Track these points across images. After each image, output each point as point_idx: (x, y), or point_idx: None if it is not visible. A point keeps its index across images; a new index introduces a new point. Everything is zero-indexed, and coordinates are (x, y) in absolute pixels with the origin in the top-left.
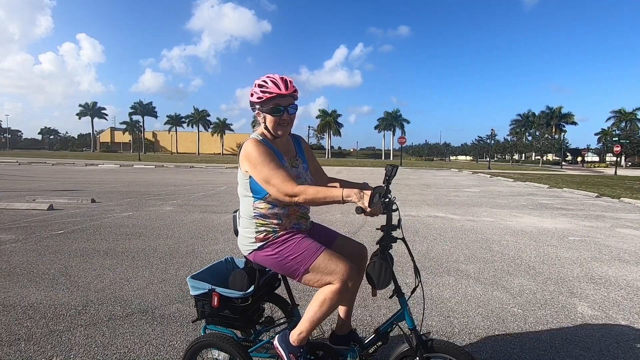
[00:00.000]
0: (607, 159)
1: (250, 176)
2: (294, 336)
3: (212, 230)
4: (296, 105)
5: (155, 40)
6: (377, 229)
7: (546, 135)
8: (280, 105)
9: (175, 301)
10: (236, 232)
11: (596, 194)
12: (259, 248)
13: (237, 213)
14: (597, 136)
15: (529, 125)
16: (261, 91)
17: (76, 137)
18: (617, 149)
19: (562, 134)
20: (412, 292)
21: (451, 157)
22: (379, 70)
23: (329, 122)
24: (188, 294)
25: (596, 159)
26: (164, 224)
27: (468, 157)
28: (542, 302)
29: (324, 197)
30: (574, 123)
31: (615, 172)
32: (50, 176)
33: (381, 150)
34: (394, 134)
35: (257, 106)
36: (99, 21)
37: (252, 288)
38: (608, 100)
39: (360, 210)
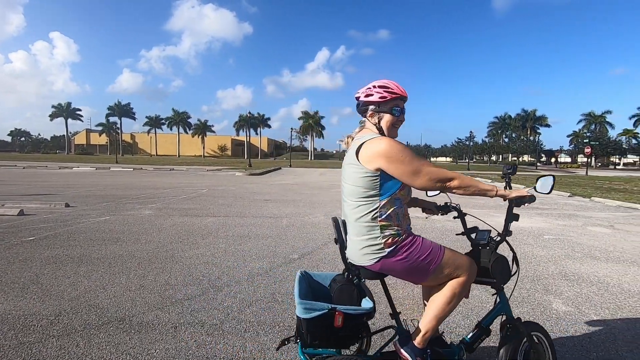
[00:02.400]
0: (579, 159)
1: (380, 174)
2: (419, 338)
3: (192, 234)
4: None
5: (134, 40)
6: (457, 234)
7: (522, 137)
8: (399, 106)
9: (154, 308)
10: (341, 242)
11: (569, 194)
12: (388, 255)
13: (341, 221)
14: (569, 138)
15: (506, 128)
16: (384, 91)
17: (49, 139)
18: (587, 150)
19: (537, 136)
20: (515, 283)
21: (432, 159)
22: (360, 73)
23: (312, 123)
24: (168, 300)
25: (568, 160)
26: (142, 229)
27: (448, 159)
28: (519, 299)
29: (476, 186)
30: (548, 125)
31: (587, 173)
32: (20, 180)
33: None
34: None
35: (373, 106)
36: (73, 19)
37: (372, 302)
38: (579, 103)
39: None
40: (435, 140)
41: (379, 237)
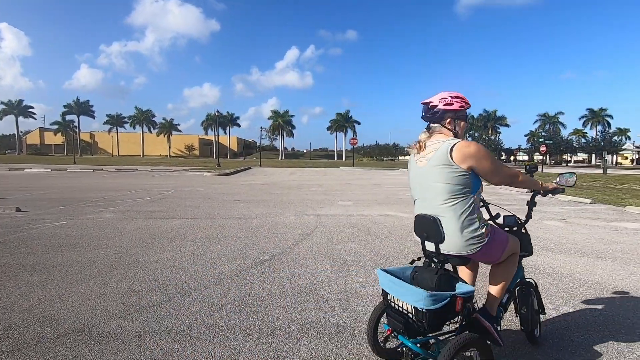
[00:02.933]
0: (535, 157)
1: (471, 172)
2: (492, 307)
3: (158, 237)
4: None
5: (92, 34)
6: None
7: (484, 137)
8: (467, 115)
9: (116, 316)
10: (442, 238)
11: (526, 190)
12: (487, 242)
13: (437, 218)
14: (527, 137)
15: (469, 127)
16: (462, 101)
17: None
18: (543, 148)
19: (498, 135)
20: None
21: (400, 157)
22: (330, 72)
23: (281, 123)
24: (131, 308)
25: (526, 157)
26: (103, 233)
27: None
28: (482, 292)
29: (530, 180)
30: (507, 125)
31: (542, 170)
32: None
33: (334, 151)
34: (345, 135)
35: (452, 114)
36: (23, 10)
37: (468, 285)
38: (534, 104)
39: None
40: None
41: (479, 228)
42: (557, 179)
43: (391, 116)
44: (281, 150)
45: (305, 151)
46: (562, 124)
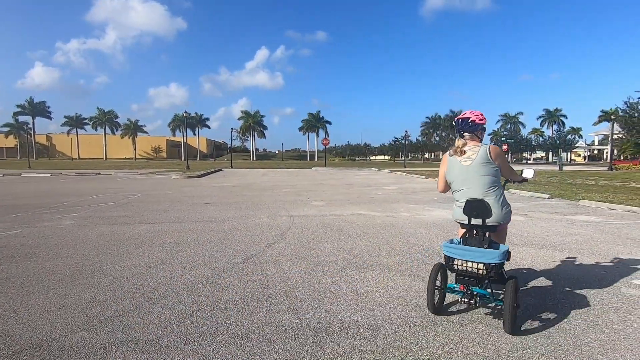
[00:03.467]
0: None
1: (499, 167)
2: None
3: (123, 244)
4: None
5: (47, 30)
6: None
7: (451, 136)
8: None
9: (79, 329)
10: (490, 214)
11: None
12: (505, 218)
13: (486, 200)
14: (490, 136)
15: (437, 127)
16: (485, 118)
17: None
18: (504, 147)
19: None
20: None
21: (371, 157)
22: (300, 73)
23: (252, 123)
24: (95, 319)
25: None
26: (63, 241)
27: (386, 157)
28: None
29: (517, 174)
30: None
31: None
32: None
33: (306, 151)
34: (317, 136)
35: (479, 126)
36: None
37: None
38: (496, 105)
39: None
40: (374, 139)
41: (509, 206)
42: (523, 173)
43: (362, 116)
44: (253, 152)
45: (277, 152)
46: (522, 124)
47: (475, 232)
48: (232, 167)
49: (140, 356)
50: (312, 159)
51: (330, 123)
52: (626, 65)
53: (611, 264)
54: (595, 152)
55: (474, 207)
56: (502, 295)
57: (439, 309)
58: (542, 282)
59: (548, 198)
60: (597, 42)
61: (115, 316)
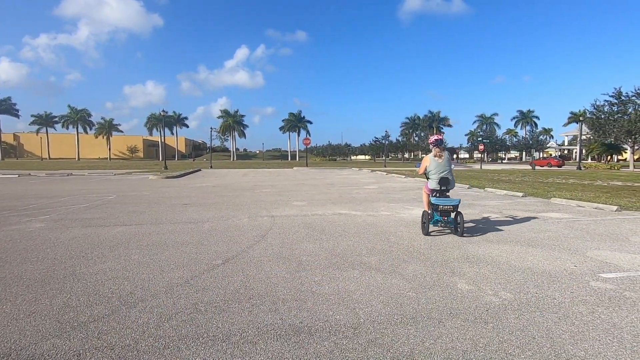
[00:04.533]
0: (475, 155)
1: (452, 161)
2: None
3: (97, 246)
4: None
5: (13, 24)
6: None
7: (429, 136)
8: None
9: (50, 336)
10: (454, 185)
11: (468, 186)
12: (454, 186)
13: (450, 178)
14: (467, 137)
15: (416, 127)
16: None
17: None
18: (481, 147)
19: (442, 134)
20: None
21: (352, 157)
22: (280, 72)
23: (232, 123)
24: (67, 325)
25: (467, 155)
26: (32, 245)
27: (367, 157)
28: (431, 283)
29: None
30: (450, 125)
31: (481, 167)
32: None
33: (287, 151)
34: (299, 135)
35: (443, 142)
36: None
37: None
38: (472, 106)
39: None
40: (355, 139)
41: (455, 180)
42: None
43: (342, 116)
44: (233, 151)
45: (257, 152)
46: (497, 125)
47: (442, 193)
48: (211, 167)
49: None
50: (294, 158)
51: (311, 123)
52: (595, 68)
53: (581, 258)
54: (566, 152)
55: (444, 182)
56: (458, 220)
57: (427, 234)
58: (517, 277)
59: (522, 196)
60: (567, 46)
61: (89, 322)
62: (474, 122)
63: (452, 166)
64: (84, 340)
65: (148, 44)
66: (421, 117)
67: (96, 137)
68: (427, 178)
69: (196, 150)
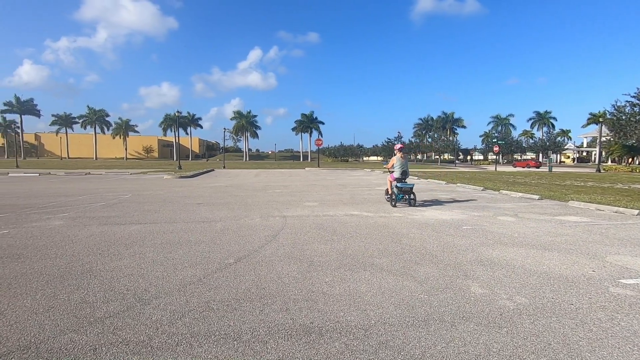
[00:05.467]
0: (489, 157)
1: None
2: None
3: (114, 244)
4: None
5: (35, 27)
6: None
7: (442, 137)
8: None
9: (68, 330)
10: (408, 175)
11: (482, 188)
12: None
13: (407, 171)
14: (481, 138)
15: (429, 128)
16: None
17: None
18: (496, 149)
19: (455, 136)
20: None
21: (364, 158)
22: (292, 74)
23: (245, 124)
24: (84, 320)
25: (481, 157)
26: (52, 242)
27: (379, 158)
28: (443, 286)
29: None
30: (464, 127)
31: (496, 168)
32: None
33: (299, 152)
34: (310, 136)
35: (403, 148)
36: None
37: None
38: (487, 108)
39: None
40: (367, 140)
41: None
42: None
43: (355, 117)
44: (245, 152)
45: (270, 152)
46: (513, 126)
47: (402, 180)
48: (224, 167)
49: (131, 357)
50: (305, 159)
51: (323, 123)
52: (614, 68)
53: (599, 263)
54: (584, 153)
55: (404, 174)
56: (412, 197)
57: (394, 205)
58: (532, 281)
59: (538, 199)
60: (584, 46)
61: (105, 317)
62: (489, 123)
63: (407, 163)
64: (100, 335)
65: (163, 46)
66: (434, 118)
67: (113, 138)
68: (392, 171)
69: (209, 150)
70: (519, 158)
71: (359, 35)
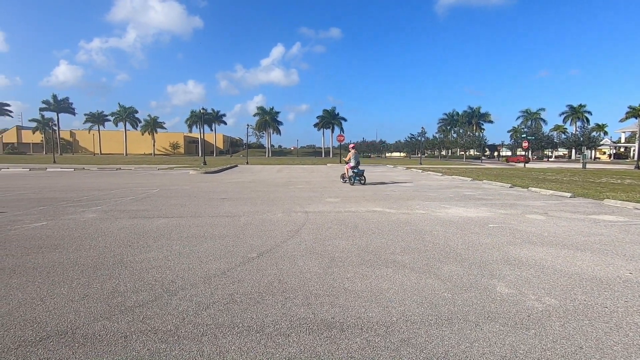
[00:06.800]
0: (518, 153)
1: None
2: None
3: (143, 237)
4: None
5: (70, 29)
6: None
7: (468, 133)
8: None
9: (101, 318)
10: (359, 164)
11: (510, 185)
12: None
13: (359, 162)
14: (509, 133)
15: (454, 124)
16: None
17: None
18: (525, 144)
19: (481, 131)
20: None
21: (387, 154)
22: (315, 70)
23: (268, 120)
24: (116, 309)
25: (509, 153)
26: (85, 233)
27: (402, 154)
28: (467, 285)
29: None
30: (491, 121)
31: (524, 165)
32: None
33: (321, 148)
34: (332, 132)
35: (355, 145)
36: None
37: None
38: (515, 102)
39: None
40: (390, 135)
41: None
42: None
43: (377, 113)
44: (268, 148)
45: (292, 148)
46: (544, 120)
47: (357, 167)
48: (247, 163)
49: (160, 346)
50: (327, 155)
51: (345, 119)
52: None
53: (637, 265)
54: (622, 149)
55: (358, 163)
56: (362, 179)
57: (352, 184)
58: (563, 283)
59: (570, 197)
60: (620, 34)
61: (135, 306)
62: (517, 117)
63: (358, 156)
64: (130, 323)
65: (189, 45)
66: (460, 113)
67: (142, 134)
68: (348, 162)
69: (233, 146)
70: (550, 154)
71: (380, 30)
